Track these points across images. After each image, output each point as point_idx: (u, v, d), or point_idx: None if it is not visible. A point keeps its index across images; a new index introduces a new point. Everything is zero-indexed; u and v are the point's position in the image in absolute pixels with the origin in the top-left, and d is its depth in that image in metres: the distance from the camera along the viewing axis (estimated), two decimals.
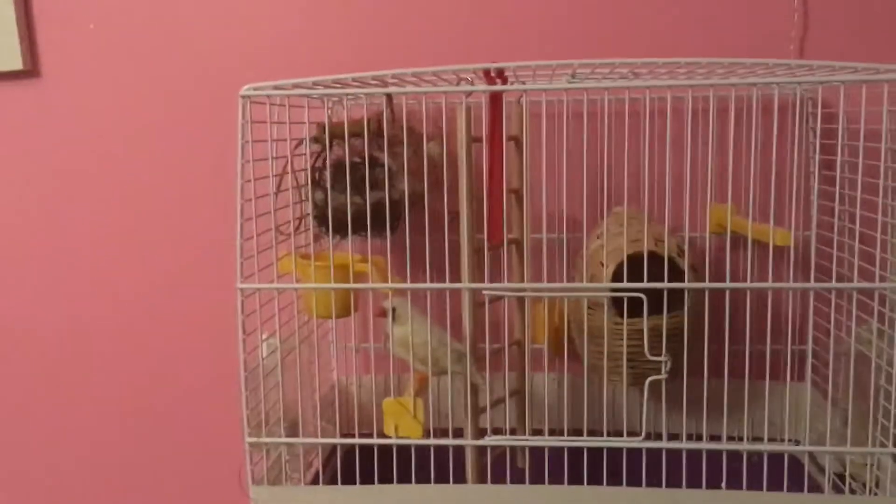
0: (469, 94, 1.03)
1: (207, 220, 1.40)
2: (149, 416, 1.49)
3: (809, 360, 1.19)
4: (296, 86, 1.01)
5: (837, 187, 1.10)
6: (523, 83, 1.07)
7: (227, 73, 1.36)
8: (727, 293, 1.02)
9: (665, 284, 1.00)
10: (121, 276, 1.45)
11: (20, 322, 1.50)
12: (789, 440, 1.07)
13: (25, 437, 1.54)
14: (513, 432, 1.18)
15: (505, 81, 1.04)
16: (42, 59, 1.41)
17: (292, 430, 1.10)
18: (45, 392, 1.51)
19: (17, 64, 1.38)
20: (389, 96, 1.11)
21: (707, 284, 1.01)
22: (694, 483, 1.03)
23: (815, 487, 1.10)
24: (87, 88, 1.41)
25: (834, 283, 1.02)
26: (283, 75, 1.03)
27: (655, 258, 1.04)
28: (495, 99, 1.06)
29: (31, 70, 1.40)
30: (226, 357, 1.24)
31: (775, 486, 1.03)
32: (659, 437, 1.04)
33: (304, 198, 1.18)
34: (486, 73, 1.02)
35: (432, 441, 1.07)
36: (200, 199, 1.40)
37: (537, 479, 1.08)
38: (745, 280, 1.03)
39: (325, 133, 1.10)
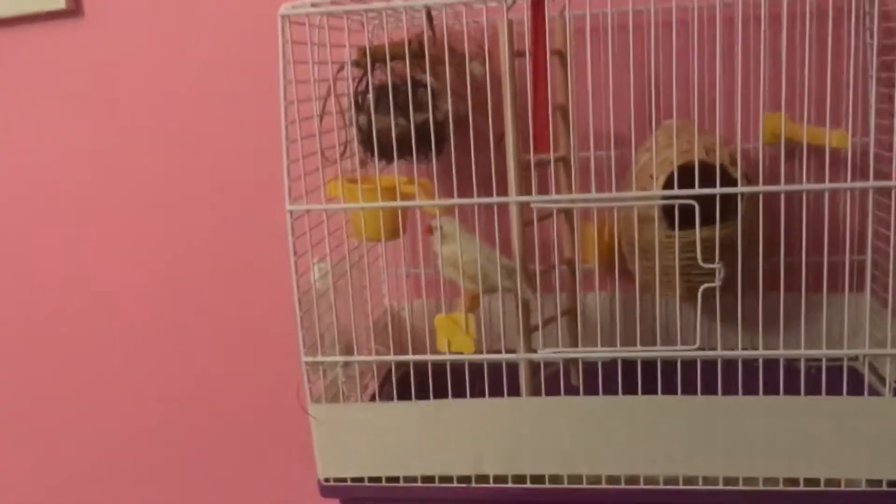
0: (511, 5, 1.00)
1: (254, 147, 1.41)
2: (203, 337, 1.53)
3: (869, 269, 1.15)
4: (334, 2, 1.00)
5: None
6: None
7: None
8: (782, 199, 0.99)
9: (717, 190, 0.97)
10: (164, 204, 1.48)
11: (78, 254, 1.54)
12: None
13: (94, 357, 1.59)
14: None
15: None
16: None
17: (347, 353, 1.11)
18: (108, 320, 1.56)
19: (59, 3, 1.39)
20: (429, 12, 1.09)
21: (761, 188, 0.98)
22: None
23: (875, 395, 1.08)
24: (129, 26, 1.41)
25: (895, 182, 0.98)
26: None
27: (707, 168, 1.01)
28: (537, 6, 1.04)
29: (73, 10, 1.41)
30: (280, 282, 1.25)
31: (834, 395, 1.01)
32: (713, 349, 1.03)
33: (347, 123, 1.18)
34: None
35: (485, 356, 1.07)
36: (246, 126, 1.41)
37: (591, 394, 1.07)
38: None
39: (366, 56, 1.09)
